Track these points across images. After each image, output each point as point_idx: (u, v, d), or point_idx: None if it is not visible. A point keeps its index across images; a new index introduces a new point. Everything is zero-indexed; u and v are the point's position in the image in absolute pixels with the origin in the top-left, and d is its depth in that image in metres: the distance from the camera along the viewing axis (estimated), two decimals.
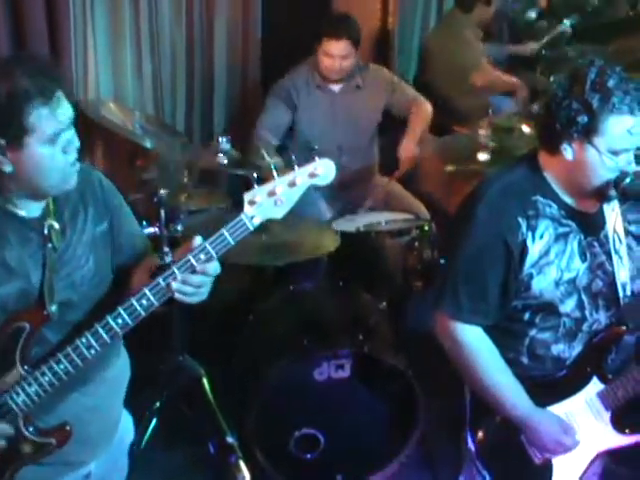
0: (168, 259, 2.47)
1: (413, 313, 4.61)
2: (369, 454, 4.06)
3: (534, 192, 2.84)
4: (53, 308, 2.47)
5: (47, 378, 2.44)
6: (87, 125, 4.56)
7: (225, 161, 4.32)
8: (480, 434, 3.04)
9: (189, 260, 2.36)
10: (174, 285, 2.37)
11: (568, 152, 2.74)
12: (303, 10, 5.87)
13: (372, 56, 5.25)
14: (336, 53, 5.01)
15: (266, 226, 4.29)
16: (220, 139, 4.37)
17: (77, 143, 2.42)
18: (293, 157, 2.45)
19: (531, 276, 2.83)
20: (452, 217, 4.63)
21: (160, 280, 2.37)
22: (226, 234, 2.38)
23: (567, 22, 7.39)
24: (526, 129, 5.07)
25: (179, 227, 4.32)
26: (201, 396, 4.22)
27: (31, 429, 2.50)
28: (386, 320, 4.35)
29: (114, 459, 2.90)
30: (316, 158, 2.42)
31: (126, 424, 2.96)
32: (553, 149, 2.79)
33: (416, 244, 4.55)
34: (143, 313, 2.39)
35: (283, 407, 3.92)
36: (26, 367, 2.45)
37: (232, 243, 2.39)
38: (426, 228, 4.60)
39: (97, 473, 2.79)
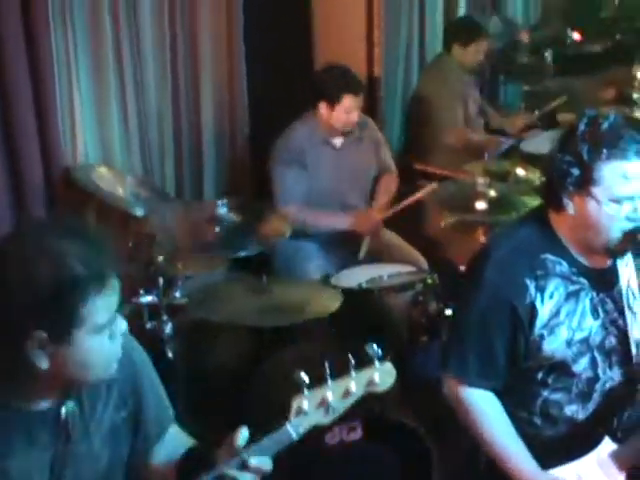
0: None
1: (419, 368, 4.54)
2: None
3: (543, 250, 2.80)
4: None
5: None
6: (76, 192, 4.51)
7: (223, 228, 4.28)
8: None
9: (222, 471, 2.13)
10: None
11: (570, 207, 2.71)
12: (286, 66, 5.86)
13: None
14: (356, 106, 5.01)
15: (266, 287, 4.31)
16: (217, 203, 4.33)
17: (124, 326, 2.12)
18: (352, 361, 2.16)
19: (542, 337, 2.79)
20: (454, 268, 4.70)
21: None
22: (267, 443, 2.18)
23: (548, 55, 7.42)
24: (521, 172, 5.05)
25: (177, 294, 4.27)
26: None
27: None
28: None
29: None
30: (376, 362, 2.20)
31: None
32: (557, 206, 2.76)
33: (420, 298, 4.50)
34: None
35: (295, 474, 3.79)
36: None
37: (272, 454, 2.17)
38: (430, 281, 4.55)
39: None
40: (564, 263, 2.79)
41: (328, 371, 2.18)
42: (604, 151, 2.61)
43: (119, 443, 2.26)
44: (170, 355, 4.29)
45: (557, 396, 2.89)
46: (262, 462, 2.15)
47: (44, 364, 1.97)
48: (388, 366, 2.23)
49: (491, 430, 2.88)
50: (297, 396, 2.18)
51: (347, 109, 4.99)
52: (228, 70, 5.62)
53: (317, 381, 2.55)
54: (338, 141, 5.18)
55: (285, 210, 4.86)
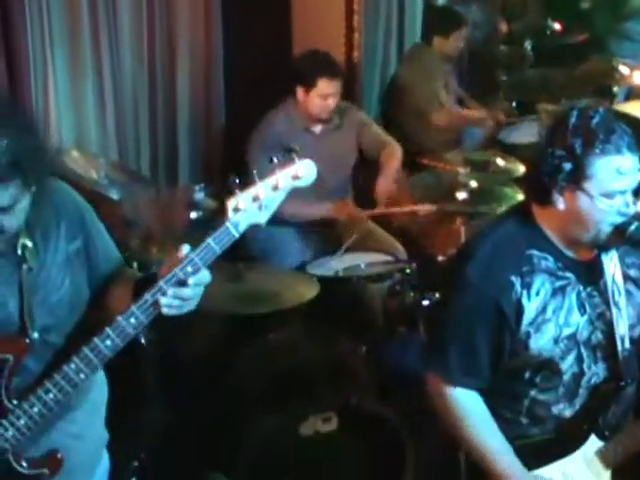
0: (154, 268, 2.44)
1: (396, 358, 4.52)
2: None
3: (528, 246, 2.76)
4: (35, 335, 2.39)
5: (36, 409, 2.36)
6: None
7: (199, 213, 4.23)
8: None
9: (176, 274, 2.30)
10: (163, 300, 2.30)
11: (560, 202, 2.66)
12: (264, 52, 5.81)
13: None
14: (332, 92, 4.94)
15: (242, 275, 4.27)
16: (195, 188, 4.27)
17: (27, 206, 2.32)
18: (275, 159, 2.38)
19: (528, 335, 2.74)
20: (432, 258, 4.68)
21: (148, 297, 2.31)
22: (212, 244, 2.34)
23: (528, 45, 7.41)
24: (501, 162, 5.03)
25: None
26: None
27: (24, 464, 2.41)
28: (368, 366, 4.28)
29: None
30: (296, 159, 2.40)
31: (106, 459, 2.85)
32: (544, 201, 2.71)
33: (398, 288, 4.48)
34: (132, 332, 2.32)
35: (270, 463, 3.79)
36: (14, 401, 2.36)
37: (218, 252, 2.35)
38: (407, 271, 4.53)
39: None
40: (550, 258, 2.76)
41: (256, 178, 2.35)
42: (598, 145, 2.57)
43: (75, 272, 2.50)
44: (143, 341, 4.24)
45: (545, 396, 2.85)
46: (200, 276, 2.34)
47: None
48: (309, 162, 2.42)
49: (475, 430, 2.84)
50: (230, 197, 2.33)
51: (322, 94, 4.93)
52: (205, 56, 5.58)
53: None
54: (317, 128, 5.13)
55: None
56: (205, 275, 2.35)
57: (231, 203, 2.32)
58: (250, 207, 2.34)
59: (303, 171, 2.40)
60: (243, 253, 4.89)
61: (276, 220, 4.75)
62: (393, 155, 5.28)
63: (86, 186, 4.39)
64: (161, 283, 2.29)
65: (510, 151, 5.41)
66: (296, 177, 2.39)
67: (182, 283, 2.31)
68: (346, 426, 3.85)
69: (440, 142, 6.06)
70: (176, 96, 5.47)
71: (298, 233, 5.11)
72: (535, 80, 7.01)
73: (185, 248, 2.32)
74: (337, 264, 4.68)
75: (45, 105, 4.71)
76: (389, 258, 4.82)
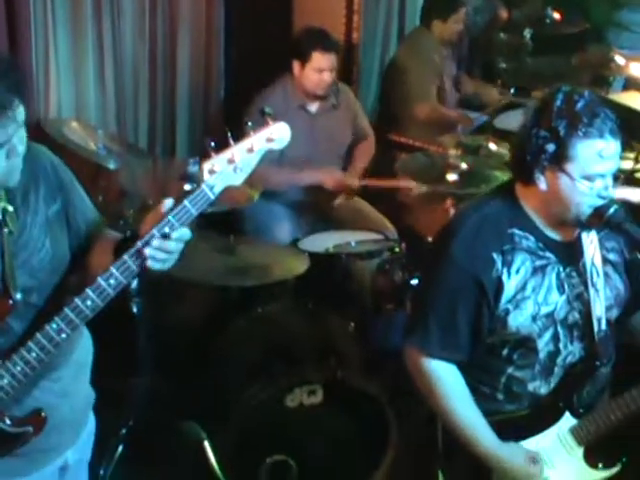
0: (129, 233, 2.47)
1: (382, 336, 4.56)
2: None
3: (510, 225, 2.81)
4: (18, 296, 2.42)
5: (19, 368, 2.39)
6: (48, 145, 4.47)
7: (193, 186, 4.24)
8: (451, 469, 3.03)
9: (154, 235, 2.34)
10: (148, 251, 2.32)
11: (541, 182, 2.72)
12: (265, 28, 5.84)
13: (337, 72, 5.23)
14: (327, 67, 4.99)
15: (233, 247, 4.32)
16: (189, 161, 4.30)
17: (23, 146, 2.37)
18: (249, 123, 2.40)
19: (507, 312, 2.80)
20: (422, 238, 4.72)
21: (126, 257, 2.34)
22: (188, 205, 2.36)
23: (527, 34, 7.41)
24: (493, 147, 5.07)
25: None
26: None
27: (7, 422, 2.45)
28: (355, 343, 4.32)
29: (84, 453, 2.87)
30: (270, 122, 2.41)
31: (92, 422, 2.89)
32: (527, 180, 2.77)
33: (387, 266, 4.51)
34: (112, 293, 2.36)
35: (254, 434, 3.85)
36: None
37: (194, 214, 2.37)
38: (397, 249, 4.57)
39: (72, 464, 2.76)
40: (531, 238, 2.81)
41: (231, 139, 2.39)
42: (581, 128, 2.62)
43: (56, 234, 2.54)
44: (135, 310, 4.29)
45: (521, 373, 2.91)
46: (181, 233, 2.36)
47: None
48: (282, 124, 2.42)
49: (451, 401, 2.89)
50: (206, 160, 2.37)
51: (317, 67, 4.98)
52: (206, 31, 5.61)
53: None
54: (313, 107, 5.17)
55: (256, 171, 4.81)
56: (186, 232, 2.38)
57: (206, 165, 2.36)
58: (225, 169, 2.37)
59: (277, 133, 2.42)
60: (236, 227, 4.95)
61: (270, 194, 4.88)
62: (367, 152, 5.42)
63: (84, 156, 4.45)
64: (139, 244, 2.33)
65: (503, 137, 5.43)
66: (270, 139, 2.42)
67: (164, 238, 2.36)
68: (331, 400, 3.90)
69: (421, 131, 6.07)
70: (176, 70, 5.49)
71: (292, 209, 5.17)
72: (533, 68, 7.03)
73: (168, 202, 2.36)
74: (328, 241, 4.70)
75: (46, 76, 4.73)
76: (379, 237, 4.86)
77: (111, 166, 4.42)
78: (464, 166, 4.78)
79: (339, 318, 4.45)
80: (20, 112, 2.32)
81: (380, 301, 4.56)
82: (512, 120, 5.76)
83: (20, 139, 2.35)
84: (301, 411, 3.88)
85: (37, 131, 4.52)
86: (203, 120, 5.75)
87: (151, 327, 4.40)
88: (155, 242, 2.32)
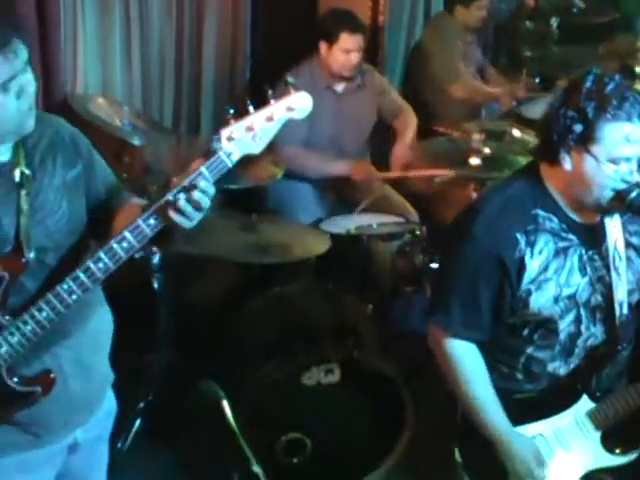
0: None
1: (400, 318, 4.58)
2: (355, 459, 4.02)
3: (534, 206, 2.81)
4: (31, 255, 2.43)
5: (30, 327, 2.39)
6: (74, 120, 4.50)
7: None
8: (468, 447, 3.03)
9: (168, 199, 2.32)
10: (180, 203, 2.29)
11: (567, 162, 2.71)
12: (292, 9, 5.84)
13: (362, 55, 5.24)
14: (354, 47, 5.00)
15: (255, 225, 4.34)
16: (213, 138, 4.31)
17: (32, 88, 2.39)
18: (270, 91, 2.38)
19: (529, 292, 2.80)
20: (443, 222, 4.73)
21: (140, 222, 2.34)
22: (205, 172, 2.34)
23: (554, 22, 7.38)
24: (517, 133, 5.06)
25: None
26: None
27: (15, 379, 2.45)
28: (373, 324, 4.34)
29: (100, 433, 2.84)
30: (292, 91, 2.39)
31: (112, 400, 2.88)
32: (552, 160, 2.76)
33: (407, 249, 4.53)
34: (125, 256, 2.36)
35: (270, 411, 3.89)
36: (7, 317, 2.40)
37: (211, 180, 2.34)
38: (418, 233, 4.58)
39: (83, 443, 2.73)
40: (554, 219, 2.81)
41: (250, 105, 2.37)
42: (610, 111, 2.61)
43: (74, 197, 2.56)
44: (156, 286, 4.32)
45: (541, 353, 2.92)
46: (207, 186, 2.33)
47: None
48: (304, 94, 2.40)
49: (468, 382, 2.91)
50: (224, 126, 2.35)
51: (345, 48, 4.99)
52: (233, 11, 5.60)
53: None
54: (340, 87, 5.18)
55: (283, 152, 4.76)
56: (210, 187, 2.35)
57: (225, 132, 2.33)
58: (244, 137, 2.35)
59: (298, 103, 2.39)
60: (259, 206, 4.97)
61: (294, 174, 4.89)
62: (409, 123, 5.38)
63: (109, 131, 4.47)
64: (152, 209, 2.33)
65: (527, 125, 5.42)
66: (291, 109, 2.39)
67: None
68: (348, 379, 3.92)
69: (456, 113, 6.06)
70: (202, 50, 5.49)
71: (316, 190, 5.18)
72: (559, 57, 7.00)
73: (198, 164, 2.34)
74: (350, 223, 4.72)
75: (74, 52, 4.76)
76: (401, 220, 4.87)
77: (136, 142, 4.45)
78: (487, 151, 4.79)
79: (358, 299, 4.47)
80: (22, 50, 2.33)
81: (399, 283, 4.59)
82: (537, 108, 5.75)
83: (28, 81, 2.36)
84: (318, 390, 3.90)
85: (64, 106, 4.55)
86: (228, 102, 5.73)
87: (172, 303, 4.43)
88: (182, 195, 2.31)
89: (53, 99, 4.54)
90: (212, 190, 2.35)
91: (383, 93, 5.39)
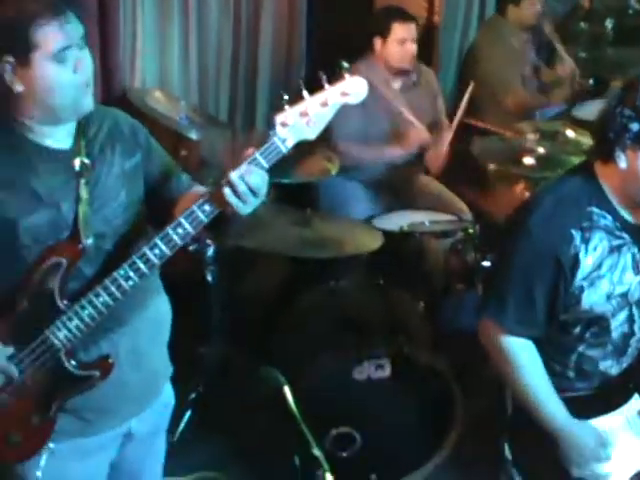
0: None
1: (452, 315, 4.59)
2: (404, 454, 4.04)
3: (589, 203, 2.81)
4: (89, 241, 2.46)
5: (87, 312, 2.42)
6: (132, 114, 4.56)
7: None
8: (519, 443, 3.04)
9: (222, 185, 2.33)
10: (234, 180, 2.29)
11: (622, 160, 2.70)
12: (348, 8, 5.86)
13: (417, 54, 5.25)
14: (408, 36, 5.03)
15: (309, 220, 4.38)
16: (269, 133, 4.35)
17: (89, 64, 2.42)
18: (324, 76, 2.34)
19: (582, 289, 2.80)
20: (495, 220, 4.73)
21: (195, 208, 2.36)
22: (259, 158, 2.33)
23: (609, 24, 7.34)
24: (570, 134, 5.05)
25: None
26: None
27: (73, 363, 2.49)
28: (424, 322, 4.36)
29: (157, 425, 2.86)
30: (346, 76, 2.36)
31: (169, 393, 2.91)
32: (607, 158, 2.75)
33: (459, 246, 4.54)
34: (180, 242, 2.39)
35: (321, 405, 3.90)
36: (65, 302, 2.44)
37: (266, 166, 2.34)
38: (470, 230, 4.59)
39: (138, 434, 2.75)
40: (609, 217, 2.81)
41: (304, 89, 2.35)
42: None
43: (132, 185, 2.61)
44: (209, 279, 4.37)
45: (593, 352, 2.91)
46: (262, 172, 2.33)
47: (19, 87, 2.36)
48: (359, 79, 2.37)
49: (526, 377, 2.89)
50: (279, 112, 2.33)
51: (399, 39, 5.02)
52: (289, 8, 5.65)
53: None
54: (397, 84, 5.19)
55: (340, 146, 4.82)
56: (265, 173, 2.34)
57: (279, 118, 2.31)
58: (298, 122, 2.33)
59: (353, 88, 2.36)
60: (313, 202, 5.00)
61: (349, 171, 4.91)
62: (442, 138, 5.33)
63: (166, 125, 4.54)
64: (207, 195, 2.36)
65: (580, 126, 5.40)
66: (345, 94, 2.36)
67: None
68: (398, 375, 3.93)
69: (508, 118, 6.03)
70: (258, 46, 5.54)
71: (369, 187, 5.19)
72: (613, 59, 6.96)
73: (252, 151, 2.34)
74: (402, 220, 4.74)
75: (132, 47, 4.85)
76: (453, 217, 4.89)
77: (193, 136, 4.50)
78: (541, 150, 4.79)
79: (409, 296, 4.48)
80: (78, 24, 2.38)
81: (451, 281, 4.59)
82: (590, 110, 5.74)
83: (85, 55, 2.40)
84: (368, 385, 3.91)
85: (122, 101, 4.62)
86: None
87: (225, 296, 4.48)
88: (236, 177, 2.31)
89: (112, 93, 4.63)
90: (266, 176, 2.35)
91: (435, 97, 5.41)
